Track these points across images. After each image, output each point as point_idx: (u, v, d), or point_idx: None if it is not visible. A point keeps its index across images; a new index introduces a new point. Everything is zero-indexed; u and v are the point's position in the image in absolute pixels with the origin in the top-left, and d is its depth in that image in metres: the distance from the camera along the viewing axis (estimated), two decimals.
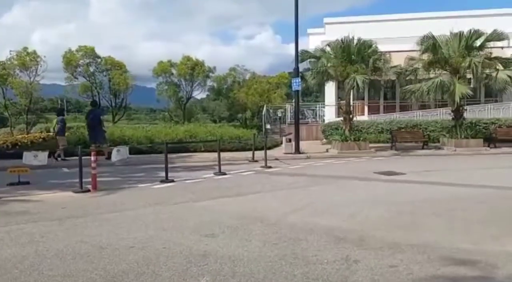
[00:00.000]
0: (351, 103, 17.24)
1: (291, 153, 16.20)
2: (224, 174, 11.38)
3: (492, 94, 28.00)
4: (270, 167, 12.86)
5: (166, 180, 10.10)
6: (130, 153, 16.25)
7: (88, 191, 8.85)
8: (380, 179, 10.43)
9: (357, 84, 14.80)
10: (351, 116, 16.88)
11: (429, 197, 7.90)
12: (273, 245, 4.93)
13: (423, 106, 25.76)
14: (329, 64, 15.99)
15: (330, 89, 27.70)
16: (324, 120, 27.44)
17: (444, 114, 23.57)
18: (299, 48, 16.55)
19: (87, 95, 38.14)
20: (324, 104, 29.01)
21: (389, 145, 19.57)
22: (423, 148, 17.91)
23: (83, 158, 9.36)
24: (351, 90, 15.69)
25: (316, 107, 29.27)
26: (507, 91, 18.00)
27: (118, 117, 40.11)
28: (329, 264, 4.25)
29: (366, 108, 28.18)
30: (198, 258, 4.49)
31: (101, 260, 4.49)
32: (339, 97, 29.36)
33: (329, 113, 27.99)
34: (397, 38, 22.11)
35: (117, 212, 6.92)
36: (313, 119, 29.00)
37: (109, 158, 14.39)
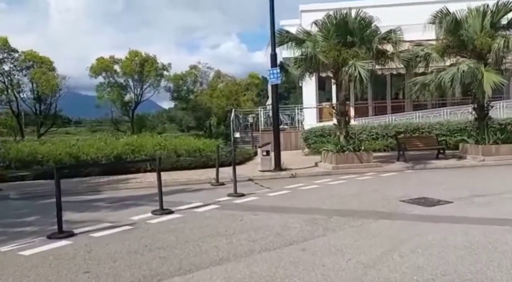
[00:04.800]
0: (347, 102, 13.44)
1: (269, 170, 12.27)
2: (170, 212, 7.35)
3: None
4: (242, 195, 8.87)
5: (60, 232, 5.94)
6: (43, 178, 12.04)
7: None
8: (419, 216, 6.64)
9: (360, 74, 10.99)
10: (347, 119, 13.09)
11: None
12: None
13: (417, 107, 22.51)
14: (317, 50, 12.16)
15: (309, 88, 24.14)
16: (303, 126, 23.75)
17: (448, 115, 20.36)
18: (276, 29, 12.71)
19: (0, 100, 31.99)
20: (302, 106, 25.32)
21: (392, 154, 16.02)
22: (437, 157, 14.36)
23: None
24: (350, 84, 11.94)
25: (294, 111, 25.53)
26: None
27: (47, 128, 34.41)
28: None
29: (352, 110, 24.62)
30: None
31: None
32: (327, 99, 25.77)
33: (309, 118, 24.31)
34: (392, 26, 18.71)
35: None
36: (290, 125, 25.28)
37: None
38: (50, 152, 12.89)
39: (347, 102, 13.75)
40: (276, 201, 8.28)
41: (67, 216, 7.33)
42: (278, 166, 12.43)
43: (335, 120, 13.68)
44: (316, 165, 13.47)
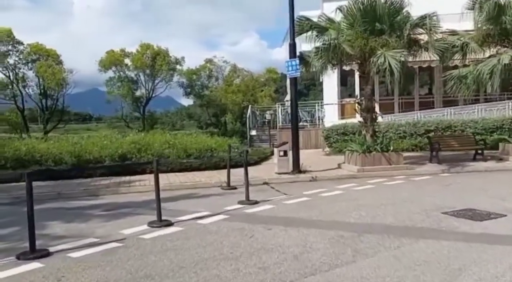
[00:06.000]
0: (373, 98, 12.20)
1: (287, 173, 11.17)
2: (169, 224, 6.32)
3: None
4: (255, 203, 7.81)
5: (32, 252, 4.97)
6: (40, 179, 11.19)
7: None
8: (470, 235, 5.47)
9: (390, 65, 9.78)
10: (374, 115, 11.90)
11: None
12: None
13: (447, 103, 21.09)
14: (341, 38, 10.97)
15: (331, 83, 22.99)
16: (324, 123, 22.54)
17: (483, 112, 18.90)
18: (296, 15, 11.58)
19: (4, 95, 31.07)
20: (323, 102, 24.08)
21: (422, 154, 14.80)
22: (475, 159, 13.04)
23: None
24: (376, 77, 10.74)
25: (314, 107, 24.31)
26: None
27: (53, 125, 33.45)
28: None
29: (377, 106, 23.25)
30: None
31: None
32: (349, 95, 24.55)
33: (331, 115, 23.09)
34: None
35: None
36: (310, 122, 24.07)
37: None
38: (49, 150, 12.04)
39: (373, 97, 12.54)
40: (293, 211, 7.19)
41: (50, 227, 6.46)
42: (296, 168, 11.33)
43: (359, 118, 12.53)
44: (339, 166, 12.33)
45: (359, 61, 11.72)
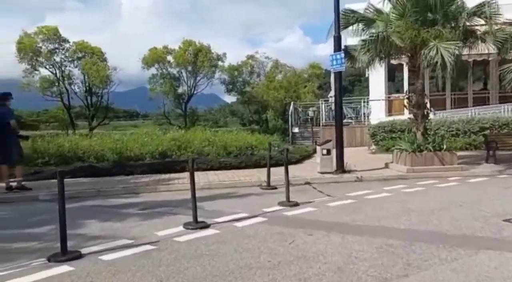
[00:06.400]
0: (425, 93, 11.50)
1: (330, 172, 10.70)
2: (205, 226, 6.06)
3: None
4: (295, 205, 7.43)
5: (63, 254, 4.83)
6: (85, 175, 11.28)
7: None
8: None
9: (442, 58, 9.10)
10: (426, 112, 11.20)
11: None
12: None
13: (503, 99, 19.86)
14: (390, 30, 10.36)
15: (377, 78, 22.07)
16: (370, 120, 21.75)
17: None
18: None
19: (51, 92, 31.97)
20: (368, 98, 23.23)
21: (477, 153, 13.93)
22: None
23: None
24: (426, 71, 10.07)
25: (359, 104, 23.51)
26: None
27: (98, 121, 34.28)
28: None
29: (428, 102, 22.18)
30: None
31: None
32: (396, 91, 23.60)
33: (377, 111, 22.22)
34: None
35: None
36: (355, 119, 23.29)
37: (21, 188, 9.44)
38: (91, 147, 12.17)
39: (424, 93, 11.83)
40: (337, 215, 6.75)
41: (85, 226, 6.37)
42: (340, 167, 10.83)
43: (408, 114, 11.88)
44: (386, 166, 11.71)
45: (409, 54, 11.06)
